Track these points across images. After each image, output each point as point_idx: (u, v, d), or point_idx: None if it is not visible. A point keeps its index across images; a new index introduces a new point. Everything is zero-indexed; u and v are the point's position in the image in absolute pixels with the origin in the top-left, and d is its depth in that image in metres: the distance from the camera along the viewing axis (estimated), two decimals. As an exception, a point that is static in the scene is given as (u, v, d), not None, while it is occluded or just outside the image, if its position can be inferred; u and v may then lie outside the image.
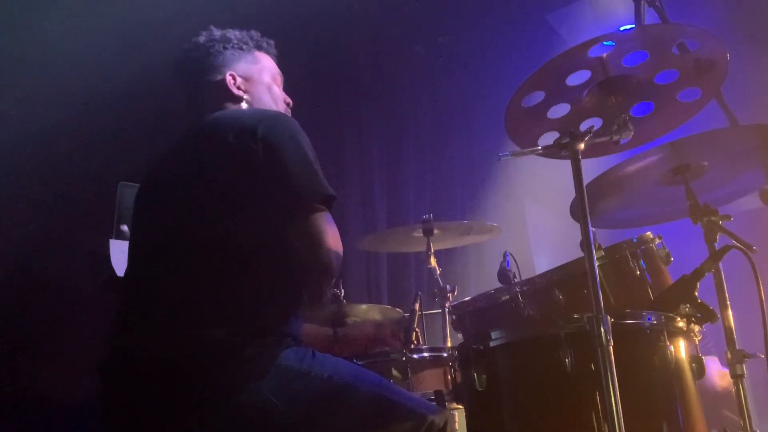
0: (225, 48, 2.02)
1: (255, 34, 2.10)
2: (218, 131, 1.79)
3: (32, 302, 2.77)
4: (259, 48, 2.09)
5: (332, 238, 1.71)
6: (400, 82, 4.73)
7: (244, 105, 1.99)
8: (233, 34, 2.06)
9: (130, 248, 1.91)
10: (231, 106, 1.97)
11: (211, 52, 2.01)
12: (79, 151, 2.87)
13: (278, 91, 2.08)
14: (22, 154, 2.73)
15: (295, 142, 1.75)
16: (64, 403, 2.66)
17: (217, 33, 2.05)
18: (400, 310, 3.12)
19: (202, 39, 2.04)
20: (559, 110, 2.07)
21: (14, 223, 2.73)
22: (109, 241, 2.44)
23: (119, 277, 2.39)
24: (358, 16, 4.29)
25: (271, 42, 2.13)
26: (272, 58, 2.12)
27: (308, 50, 3.66)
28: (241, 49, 2.05)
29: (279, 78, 2.11)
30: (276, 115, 1.89)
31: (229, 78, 1.98)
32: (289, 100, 2.11)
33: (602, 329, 1.61)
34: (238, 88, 1.99)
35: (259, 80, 2.03)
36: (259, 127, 1.74)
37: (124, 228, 2.36)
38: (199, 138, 1.86)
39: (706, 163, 2.12)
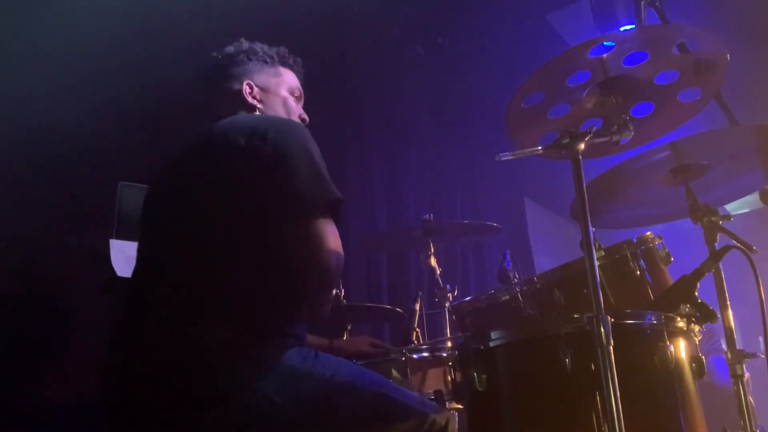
0: (249, 59, 2.10)
1: (283, 50, 2.17)
2: (229, 134, 1.81)
3: (32, 302, 2.77)
4: (284, 63, 2.15)
5: (332, 242, 1.72)
6: (400, 82, 4.73)
7: (257, 114, 2.04)
8: (260, 47, 2.13)
9: (138, 247, 1.92)
10: (244, 114, 2.02)
11: (235, 61, 2.09)
12: (79, 151, 2.86)
13: (294, 105, 2.13)
14: (22, 154, 2.73)
15: (304, 148, 1.77)
16: (64, 403, 2.66)
17: (245, 45, 2.12)
18: (400, 310, 3.13)
19: (230, 49, 2.11)
20: (559, 110, 2.07)
21: (14, 223, 2.73)
22: (109, 241, 2.45)
23: (119, 277, 2.39)
24: (357, 15, 4.29)
25: (298, 60, 2.19)
26: (297, 76, 2.18)
27: (308, 50, 3.65)
28: (264, 62, 2.11)
29: (298, 93, 2.16)
30: (287, 121, 1.94)
31: (246, 87, 2.05)
32: (305, 116, 2.15)
33: (602, 329, 1.61)
34: (254, 97, 2.05)
35: (275, 92, 2.10)
36: (269, 131, 1.76)
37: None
38: (209, 140, 1.88)
39: (706, 163, 2.12)
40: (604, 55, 1.89)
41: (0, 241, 2.69)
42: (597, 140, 1.82)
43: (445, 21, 4.70)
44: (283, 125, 1.85)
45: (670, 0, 2.46)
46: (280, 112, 2.08)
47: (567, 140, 1.78)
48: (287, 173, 1.72)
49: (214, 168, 1.79)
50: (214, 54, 2.11)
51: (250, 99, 2.04)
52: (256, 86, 2.07)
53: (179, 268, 1.73)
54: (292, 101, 2.12)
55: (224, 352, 1.60)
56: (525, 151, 1.87)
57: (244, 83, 2.05)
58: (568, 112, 2.07)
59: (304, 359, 1.67)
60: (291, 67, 2.17)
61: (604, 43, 1.86)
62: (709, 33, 1.86)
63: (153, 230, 1.89)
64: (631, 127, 1.86)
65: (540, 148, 1.86)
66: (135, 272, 1.88)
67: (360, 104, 4.43)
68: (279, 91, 2.10)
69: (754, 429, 1.98)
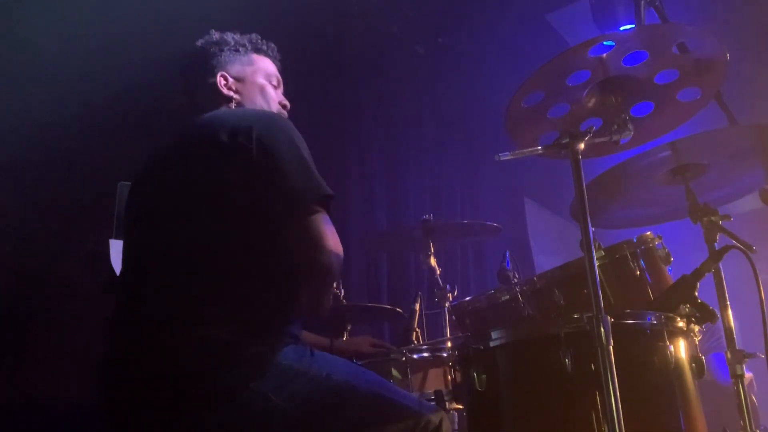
0: (221, 51, 2.06)
1: (255, 37, 2.12)
2: (211, 130, 1.79)
3: (32, 302, 2.77)
4: (257, 51, 2.11)
5: (332, 240, 1.71)
6: (400, 82, 4.73)
7: (233, 105, 2.01)
8: (231, 37, 2.09)
9: (124, 248, 1.91)
10: (223, 107, 2.00)
11: (206, 54, 2.05)
12: (79, 151, 2.86)
13: (272, 92, 2.08)
14: (21, 154, 2.73)
15: (290, 143, 1.75)
16: (63, 403, 2.66)
17: (215, 36, 2.09)
18: (400, 310, 3.13)
19: (200, 43, 2.08)
20: (559, 110, 2.07)
21: (14, 223, 2.73)
22: (109, 241, 2.45)
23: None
24: (357, 15, 4.29)
25: (272, 45, 2.15)
26: (273, 62, 2.14)
27: (308, 50, 3.66)
28: (237, 51, 2.07)
29: (276, 80, 2.12)
30: (271, 116, 1.91)
31: (220, 79, 2.02)
32: (285, 102, 2.11)
33: (602, 329, 1.61)
34: (229, 88, 2.02)
35: (251, 81, 2.06)
36: (254, 127, 1.73)
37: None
38: (192, 137, 1.86)
39: (706, 163, 2.12)
40: (604, 55, 1.89)
41: (0, 241, 2.69)
42: (597, 140, 1.82)
43: (445, 21, 4.70)
44: (268, 121, 1.82)
45: (670, 0, 2.46)
46: (259, 101, 2.04)
47: (567, 140, 1.78)
48: (275, 171, 1.70)
49: (198, 166, 1.77)
50: (187, 51, 2.08)
51: (225, 90, 2.01)
52: (231, 77, 2.03)
53: (174, 268, 1.72)
54: (270, 89, 2.08)
55: (222, 352, 1.59)
56: (525, 151, 1.87)
57: (218, 75, 2.01)
58: (568, 111, 2.07)
59: (300, 358, 1.67)
60: (266, 54, 2.12)
61: (604, 42, 1.86)
62: (709, 33, 1.86)
63: (144, 229, 1.87)
64: (631, 127, 1.86)
65: (540, 148, 1.86)
66: (126, 271, 1.86)
67: (360, 104, 4.43)
68: (255, 79, 2.06)
69: (754, 429, 1.98)
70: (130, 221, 1.93)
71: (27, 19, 2.88)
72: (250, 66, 2.07)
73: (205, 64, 2.03)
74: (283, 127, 1.79)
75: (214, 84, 2.01)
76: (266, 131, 1.75)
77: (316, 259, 1.70)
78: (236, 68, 2.05)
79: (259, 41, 2.12)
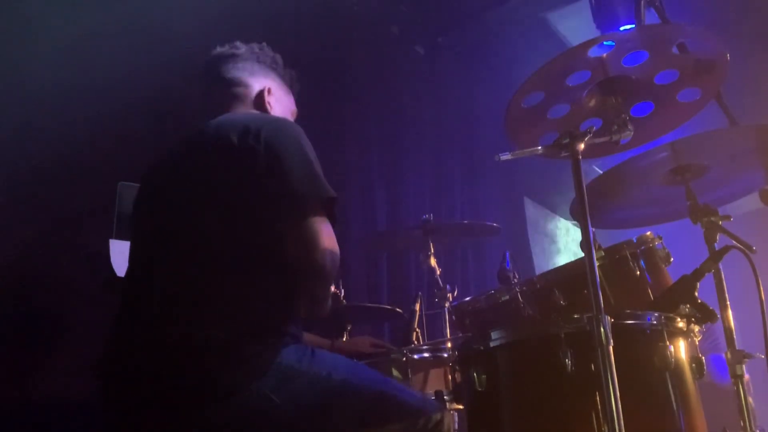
0: (273, 68, 2.15)
1: (293, 73, 2.22)
2: (222, 131, 1.82)
3: (32, 302, 2.77)
4: (292, 87, 2.21)
5: (327, 240, 1.72)
6: (400, 82, 4.72)
7: (252, 111, 2.05)
8: (281, 61, 2.18)
9: (131, 246, 1.92)
10: (241, 111, 2.03)
11: (260, 60, 2.13)
12: (79, 151, 2.86)
13: None
14: (22, 154, 2.73)
15: (297, 146, 1.78)
16: (64, 403, 2.66)
17: (269, 52, 2.17)
18: (400, 310, 3.13)
19: (257, 47, 2.15)
20: (559, 110, 2.07)
21: (14, 223, 2.73)
22: (109, 241, 2.45)
23: (119, 277, 2.39)
24: (357, 15, 4.29)
25: (298, 86, 2.24)
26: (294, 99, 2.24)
27: (307, 49, 3.66)
28: (282, 76, 2.17)
29: (295, 117, 2.21)
30: (280, 120, 1.95)
31: (266, 89, 2.08)
32: None
33: (602, 329, 1.61)
34: (268, 102, 2.08)
35: (286, 107, 2.15)
36: (263, 130, 1.77)
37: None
38: (203, 138, 1.88)
39: (706, 164, 2.12)
40: (604, 55, 1.89)
41: (0, 241, 2.69)
42: (597, 140, 1.82)
43: (445, 21, 4.70)
44: (277, 123, 1.86)
45: (670, 0, 2.46)
46: None
47: (567, 140, 1.78)
48: (281, 172, 1.72)
49: (206, 166, 1.80)
50: (238, 44, 2.13)
51: (265, 101, 2.07)
52: (273, 93, 2.10)
53: (175, 268, 1.73)
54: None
55: (222, 352, 1.60)
56: (525, 151, 1.87)
57: (266, 86, 2.09)
58: (568, 112, 2.07)
59: (300, 358, 1.67)
60: (294, 93, 2.21)
61: (604, 42, 1.86)
62: (709, 33, 1.86)
63: (147, 229, 1.88)
64: (631, 127, 1.86)
65: (540, 148, 1.86)
66: (130, 272, 1.88)
67: (360, 104, 4.43)
68: (288, 108, 2.16)
69: (753, 429, 1.98)
70: (137, 220, 1.94)
71: (27, 19, 2.88)
72: (288, 96, 2.18)
73: (256, 67, 2.10)
74: (291, 131, 1.82)
75: (260, 92, 2.07)
76: (275, 133, 1.78)
77: (310, 258, 1.70)
78: (278, 90, 2.13)
79: (294, 79, 2.22)
